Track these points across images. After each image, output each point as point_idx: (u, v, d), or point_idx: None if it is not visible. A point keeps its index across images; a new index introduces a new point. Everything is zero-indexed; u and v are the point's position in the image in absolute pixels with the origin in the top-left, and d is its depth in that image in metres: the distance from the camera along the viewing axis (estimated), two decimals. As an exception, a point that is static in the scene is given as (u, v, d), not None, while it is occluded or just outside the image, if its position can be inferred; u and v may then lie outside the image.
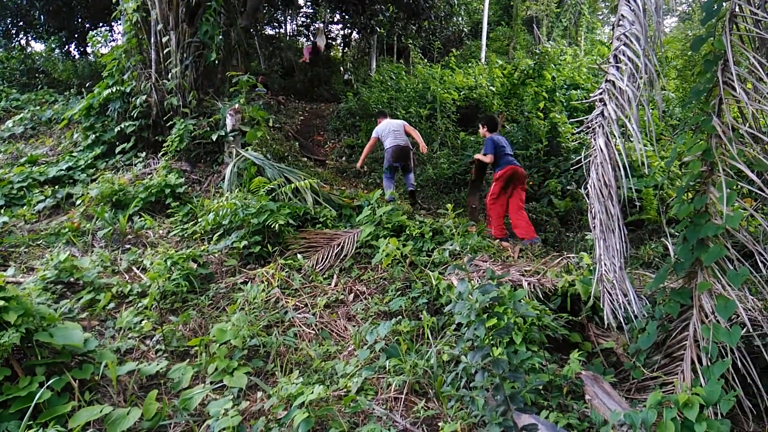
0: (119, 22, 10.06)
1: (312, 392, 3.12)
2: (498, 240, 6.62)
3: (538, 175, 8.48)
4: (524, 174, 7.00)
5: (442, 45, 19.24)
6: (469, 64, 16.43)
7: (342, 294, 5.11)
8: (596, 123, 3.92)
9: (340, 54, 25.75)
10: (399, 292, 4.90)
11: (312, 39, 16.17)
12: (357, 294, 5.15)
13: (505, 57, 20.53)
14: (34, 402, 2.98)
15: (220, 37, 8.97)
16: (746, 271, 3.44)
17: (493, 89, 11.71)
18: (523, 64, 11.74)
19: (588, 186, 3.91)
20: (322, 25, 18.27)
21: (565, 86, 11.07)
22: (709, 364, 3.47)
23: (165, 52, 8.66)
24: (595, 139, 3.92)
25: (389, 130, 8.34)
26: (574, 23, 25.10)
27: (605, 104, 3.84)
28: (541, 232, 7.20)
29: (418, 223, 6.13)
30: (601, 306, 3.91)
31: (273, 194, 6.55)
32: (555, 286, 4.73)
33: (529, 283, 4.75)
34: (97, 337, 4.06)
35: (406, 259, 5.31)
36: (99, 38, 11.16)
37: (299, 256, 5.60)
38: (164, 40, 8.56)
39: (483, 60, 18.86)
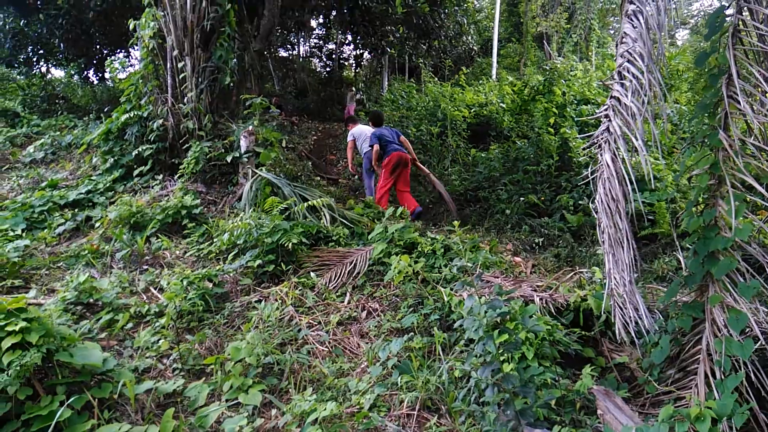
0: (136, 48, 10.34)
1: (325, 409, 3.17)
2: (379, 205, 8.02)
3: (549, 190, 8.50)
4: (407, 158, 8.44)
5: (452, 63, 19.44)
6: (480, 81, 16.57)
7: (355, 311, 5.16)
8: (602, 138, 3.97)
9: (353, 74, 26.10)
10: (411, 309, 4.94)
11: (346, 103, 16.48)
12: (370, 311, 5.19)
13: (516, 73, 20.66)
14: (54, 420, 3.07)
15: (234, 60, 9.18)
16: (757, 283, 3.44)
17: (504, 106, 11.79)
18: (533, 80, 11.83)
19: (596, 201, 3.95)
20: (354, 89, 18.61)
21: (576, 101, 11.12)
22: (722, 377, 3.46)
23: (181, 77, 8.88)
24: (601, 155, 3.96)
25: (365, 136, 9.13)
26: (584, 38, 25.20)
27: (610, 120, 3.89)
28: (553, 247, 7.21)
29: (429, 239, 6.18)
30: (613, 321, 3.92)
31: (286, 213, 6.66)
32: (567, 301, 4.74)
33: (540, 299, 4.76)
34: (116, 356, 4.14)
35: (417, 275, 5.36)
36: (117, 64, 11.47)
37: (312, 274, 5.67)
38: (180, 65, 8.78)
39: (494, 77, 19.00)
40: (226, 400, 3.72)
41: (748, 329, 3.53)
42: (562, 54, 22.93)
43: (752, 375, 3.35)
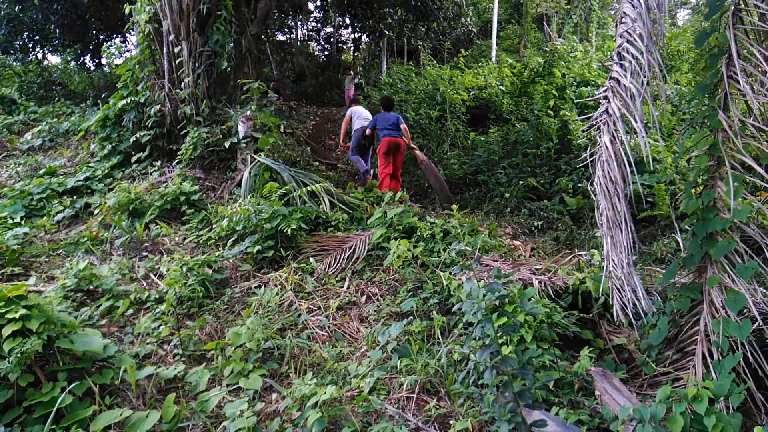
0: (132, 33, 10.26)
1: (325, 392, 3.19)
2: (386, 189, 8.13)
3: (549, 173, 8.48)
4: (400, 143, 8.60)
5: (452, 45, 19.26)
6: (480, 64, 16.44)
7: (354, 296, 5.18)
8: (601, 120, 3.94)
9: (351, 58, 25.91)
10: (410, 293, 4.95)
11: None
12: (369, 296, 5.21)
13: (515, 55, 20.50)
14: (56, 406, 3.09)
15: (231, 45, 9.10)
16: (755, 264, 3.45)
17: (503, 88, 11.71)
18: (533, 62, 11.73)
19: (594, 183, 3.94)
20: (352, 73, 18.53)
21: (576, 83, 11.04)
22: (720, 358, 3.47)
23: (177, 61, 8.81)
24: (600, 136, 3.94)
25: (359, 115, 9.52)
26: (584, 19, 24.96)
27: (609, 101, 3.86)
28: (552, 230, 7.21)
29: (428, 224, 6.18)
30: (611, 303, 3.93)
31: (286, 198, 6.65)
32: (566, 284, 4.75)
33: (539, 282, 4.77)
34: (117, 342, 4.16)
35: (416, 260, 5.36)
36: (113, 50, 11.37)
37: (312, 259, 5.68)
38: (176, 50, 8.71)
39: (494, 59, 18.85)
40: (227, 385, 3.74)
41: (745, 310, 3.54)
42: (562, 35, 22.72)
43: (749, 355, 3.37)
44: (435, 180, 8.69)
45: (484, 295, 2.81)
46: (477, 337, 2.90)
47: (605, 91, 3.96)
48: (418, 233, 5.95)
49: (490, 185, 8.45)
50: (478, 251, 5.67)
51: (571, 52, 14.09)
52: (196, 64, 8.79)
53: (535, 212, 7.69)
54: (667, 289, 4.16)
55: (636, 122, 3.65)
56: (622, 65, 3.86)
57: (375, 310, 4.88)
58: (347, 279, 5.46)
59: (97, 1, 13.69)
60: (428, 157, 9.83)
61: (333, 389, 3.18)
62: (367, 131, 9.11)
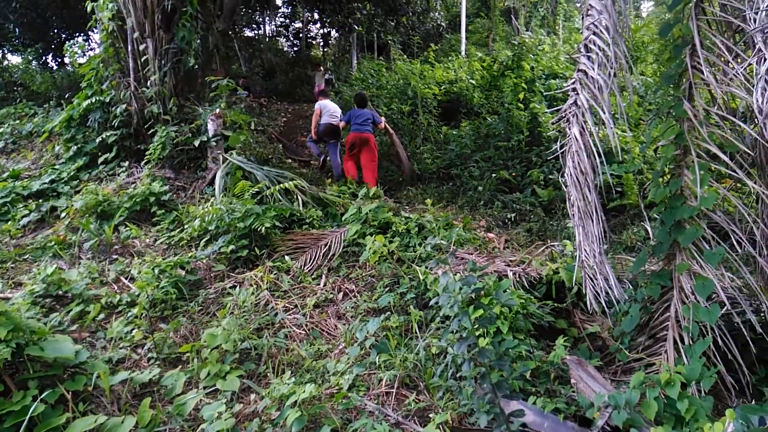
0: (95, 31, 10.00)
1: (304, 391, 3.17)
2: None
3: (520, 165, 8.57)
4: (366, 137, 8.76)
5: (421, 40, 19.27)
6: (449, 58, 16.48)
7: (331, 293, 5.16)
8: (570, 112, 3.99)
9: (321, 53, 25.73)
10: (387, 289, 4.96)
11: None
12: (346, 292, 5.20)
13: (485, 49, 20.60)
14: (28, 415, 3.01)
15: (198, 41, 8.95)
16: (722, 250, 3.54)
17: (473, 82, 11.77)
18: (502, 56, 11.82)
19: (565, 174, 3.99)
20: (322, 69, 18.41)
21: (544, 76, 11.17)
22: (690, 343, 3.56)
23: (143, 59, 8.62)
24: (569, 128, 3.99)
25: (328, 110, 9.53)
26: (551, 12, 25.22)
27: (578, 93, 3.91)
28: (525, 222, 7.29)
29: (404, 219, 6.19)
30: (584, 292, 3.99)
31: (259, 197, 6.58)
32: (540, 275, 4.81)
33: (514, 273, 4.82)
34: (89, 348, 4.07)
35: (392, 255, 5.36)
36: (76, 49, 11.07)
37: (287, 257, 5.64)
38: (141, 47, 8.51)
39: (463, 53, 18.93)
40: (204, 388, 3.70)
41: (714, 295, 3.64)
42: (530, 28, 22.94)
43: (719, 339, 3.46)
44: (401, 152, 9.37)
45: (461, 289, 2.83)
46: (454, 330, 2.93)
47: (573, 83, 4.01)
48: (394, 228, 5.95)
49: (464, 179, 8.50)
50: (453, 245, 5.70)
51: (539, 45, 14.24)
52: (163, 62, 8.62)
53: (508, 204, 7.77)
54: (638, 276, 4.24)
55: (604, 113, 3.70)
56: (589, 57, 3.91)
57: (352, 307, 4.87)
58: (323, 276, 5.44)
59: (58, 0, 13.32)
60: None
61: (312, 387, 3.17)
62: (341, 124, 9.25)
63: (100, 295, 4.88)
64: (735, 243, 3.57)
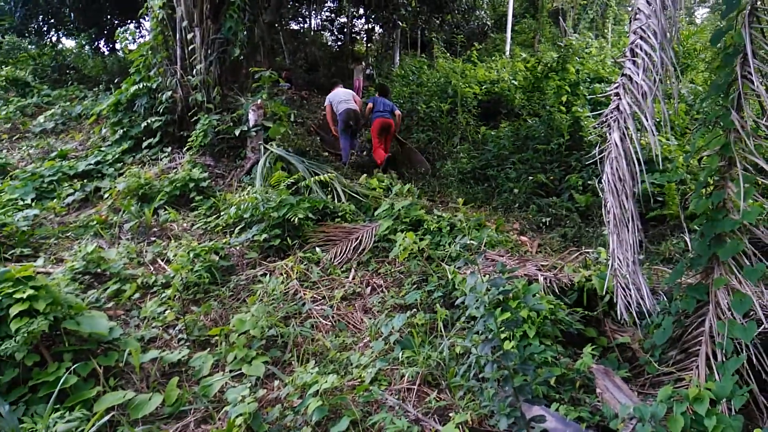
0: (147, 18, 10.29)
1: (326, 381, 3.21)
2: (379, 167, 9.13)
3: (559, 169, 8.42)
4: (390, 124, 9.46)
5: (466, 39, 19.12)
6: (493, 58, 16.32)
7: (359, 287, 5.19)
8: (612, 117, 3.91)
9: (364, 49, 25.81)
10: (415, 286, 4.96)
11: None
12: (374, 287, 5.22)
13: (530, 50, 20.31)
14: (58, 386, 3.13)
15: (244, 32, 9.10)
16: (763, 266, 3.42)
17: (516, 83, 11.62)
18: (546, 57, 11.63)
19: (603, 181, 3.91)
20: (363, 64, 18.59)
21: (589, 79, 10.94)
22: (723, 359, 3.46)
23: (190, 48, 8.82)
24: (610, 134, 3.91)
25: (340, 98, 9.84)
26: (600, 15, 24.68)
27: (621, 98, 3.83)
28: (560, 227, 7.18)
29: (436, 217, 6.17)
30: (616, 301, 3.91)
31: (294, 188, 6.67)
32: (571, 281, 4.74)
33: (545, 278, 4.76)
34: (122, 326, 4.20)
35: (422, 252, 5.36)
36: (127, 35, 11.41)
37: (318, 249, 5.70)
38: (189, 36, 8.72)
39: (507, 53, 18.71)
40: (230, 371, 3.78)
41: (751, 312, 3.52)
42: (577, 31, 22.51)
43: (754, 358, 3.35)
44: (416, 155, 9.93)
45: (488, 290, 2.81)
46: (479, 332, 2.91)
47: (617, 87, 3.92)
48: (425, 226, 5.95)
49: (500, 180, 8.41)
50: (484, 246, 5.66)
51: (586, 47, 13.96)
52: (209, 51, 8.81)
53: (543, 208, 7.65)
54: (674, 289, 4.13)
55: (647, 120, 3.62)
56: (634, 62, 3.83)
57: (379, 302, 4.89)
58: (353, 270, 5.48)
59: (112, -14, 13.74)
60: (437, 150, 9.85)
61: (334, 378, 3.20)
62: (369, 106, 9.69)
63: (136, 275, 5.04)
64: (777, 260, 3.45)
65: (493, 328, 2.84)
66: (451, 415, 3.28)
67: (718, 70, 3.92)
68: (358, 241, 5.90)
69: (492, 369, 2.87)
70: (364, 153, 10.56)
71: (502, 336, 3.88)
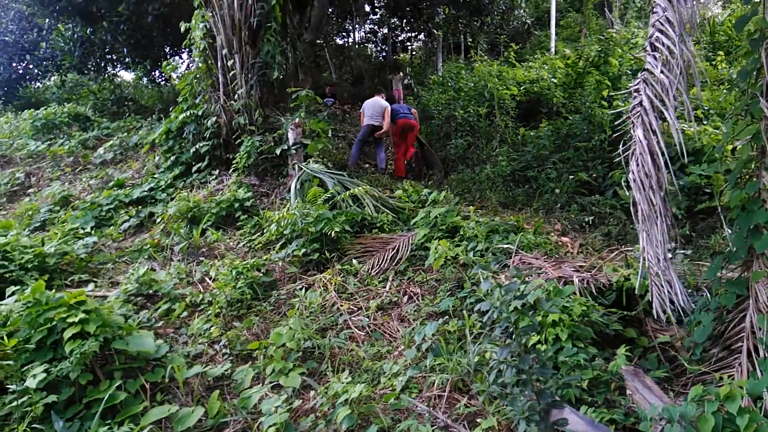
0: (192, 49, 10.82)
1: (356, 390, 3.32)
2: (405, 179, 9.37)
3: (602, 166, 8.23)
4: (413, 123, 9.93)
5: (509, 39, 18.95)
6: (535, 56, 16.07)
7: (396, 296, 5.28)
8: (635, 114, 3.85)
9: (408, 57, 25.98)
10: (449, 293, 4.99)
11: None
12: (410, 295, 5.29)
13: (576, 44, 19.90)
14: (104, 402, 3.36)
15: (281, 55, 9.40)
16: (802, 257, 3.28)
17: (555, 81, 11.43)
18: (588, 52, 11.39)
19: (629, 178, 3.85)
20: (401, 74, 18.86)
21: (631, 72, 10.62)
22: (766, 355, 3.33)
23: (231, 74, 9.21)
24: (634, 130, 3.85)
25: (370, 107, 10.14)
26: (648, 3, 23.84)
27: (641, 94, 3.77)
28: (604, 225, 7.02)
29: (472, 223, 6.18)
30: (651, 299, 3.83)
31: (331, 202, 6.84)
32: (610, 281, 4.66)
33: (581, 279, 4.70)
34: (172, 343, 4.46)
35: (456, 259, 5.39)
36: (171, 66, 12.03)
37: (354, 261, 5.83)
38: (230, 63, 9.11)
39: (552, 49, 18.38)
40: (270, 383, 3.94)
41: (793, 305, 3.38)
42: (624, 21, 21.85)
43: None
44: (433, 156, 10.34)
45: (503, 295, 2.85)
46: (497, 337, 2.94)
47: (637, 83, 3.86)
48: (462, 232, 5.97)
49: (540, 181, 8.30)
50: (521, 249, 5.63)
51: (632, 38, 13.56)
52: (249, 76, 9.16)
53: (586, 207, 7.50)
54: (713, 284, 4.00)
55: (669, 114, 3.55)
56: (655, 56, 3.77)
57: (415, 310, 4.96)
58: (389, 279, 5.57)
59: (161, 20, 14.43)
60: (477, 155, 9.82)
61: (362, 387, 3.30)
62: (388, 110, 10.03)
63: (185, 294, 5.32)
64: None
65: (512, 332, 2.87)
66: (479, 420, 3.31)
67: (746, 56, 3.80)
68: (395, 250, 5.99)
69: (512, 373, 2.90)
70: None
71: (533, 340, 3.88)
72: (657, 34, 3.74)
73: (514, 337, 2.90)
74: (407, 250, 5.97)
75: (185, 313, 5.06)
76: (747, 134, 3.68)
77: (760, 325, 3.40)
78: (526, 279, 4.53)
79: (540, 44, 20.97)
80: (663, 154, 3.56)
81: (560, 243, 6.30)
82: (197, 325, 4.72)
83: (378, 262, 5.88)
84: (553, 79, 11.56)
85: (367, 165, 10.28)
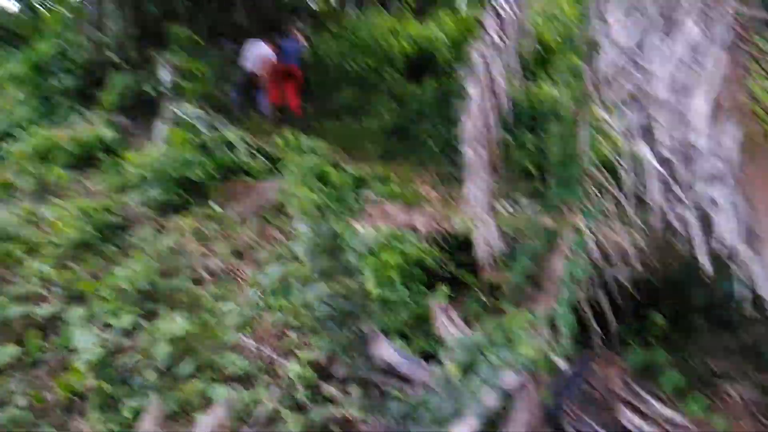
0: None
1: (179, 328, 3.35)
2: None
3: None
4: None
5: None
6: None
7: (255, 241, 5.29)
8: (468, 71, 4.05)
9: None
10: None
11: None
12: (270, 242, 5.33)
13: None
14: None
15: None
16: (599, 208, 3.64)
17: (444, 39, 11.56)
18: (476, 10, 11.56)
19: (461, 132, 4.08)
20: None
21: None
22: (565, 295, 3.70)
23: (104, 6, 8.56)
24: (468, 88, 4.05)
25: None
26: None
27: (475, 51, 3.95)
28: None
29: (341, 172, 6.28)
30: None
31: (204, 147, 6.64)
32: (455, 229, 4.95)
33: (428, 227, 4.96)
34: (1, 283, 4.24)
35: (319, 206, 5.47)
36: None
37: (215, 205, 5.74)
38: (102, -6, 8.45)
39: (464, 9, 18.41)
40: (102, 324, 3.87)
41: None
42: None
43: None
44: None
45: (312, 236, 2.96)
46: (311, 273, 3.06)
47: (471, 46, 4.06)
48: (330, 180, 6.05)
49: (419, 135, 8.51)
50: (385, 198, 5.83)
51: None
52: (123, 8, 8.57)
53: (456, 162, 7.79)
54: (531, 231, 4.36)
55: (497, 72, 3.76)
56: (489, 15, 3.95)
57: (271, 255, 5.01)
58: (251, 225, 5.56)
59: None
60: (362, 107, 9.81)
61: (185, 324, 3.33)
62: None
63: (27, 235, 5.02)
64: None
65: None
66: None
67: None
68: (261, 197, 5.98)
69: (325, 310, 3.05)
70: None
71: (371, 281, 4.08)
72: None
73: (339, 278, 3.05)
74: (274, 197, 5.97)
75: (23, 254, 4.79)
76: (569, 97, 3.97)
77: (565, 269, 3.76)
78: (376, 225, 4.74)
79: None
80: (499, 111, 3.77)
81: (423, 193, 6.55)
82: (32, 265, 4.50)
83: (243, 208, 5.85)
84: (444, 38, 11.68)
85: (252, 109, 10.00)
